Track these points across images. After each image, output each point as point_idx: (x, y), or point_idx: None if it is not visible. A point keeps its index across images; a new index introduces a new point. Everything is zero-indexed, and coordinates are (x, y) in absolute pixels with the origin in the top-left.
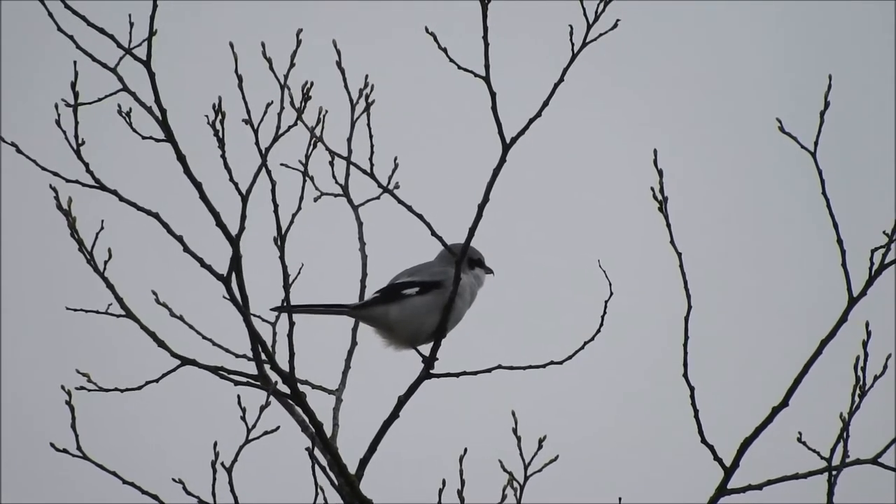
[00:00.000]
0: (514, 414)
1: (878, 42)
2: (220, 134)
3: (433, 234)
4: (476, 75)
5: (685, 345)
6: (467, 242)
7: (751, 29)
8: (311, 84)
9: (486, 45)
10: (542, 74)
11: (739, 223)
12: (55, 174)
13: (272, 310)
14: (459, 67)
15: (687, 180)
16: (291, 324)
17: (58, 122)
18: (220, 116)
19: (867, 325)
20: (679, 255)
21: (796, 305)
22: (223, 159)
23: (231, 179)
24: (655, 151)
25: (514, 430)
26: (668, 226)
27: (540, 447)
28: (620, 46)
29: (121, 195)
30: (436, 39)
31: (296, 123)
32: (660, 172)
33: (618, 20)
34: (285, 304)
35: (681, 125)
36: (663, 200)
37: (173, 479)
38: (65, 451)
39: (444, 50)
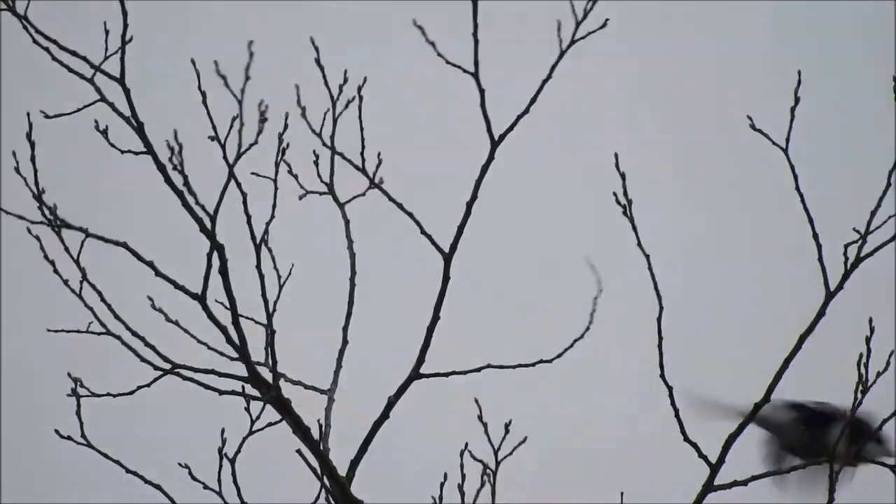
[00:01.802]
0: (477, 401)
1: (855, 40)
2: (181, 167)
3: (422, 231)
4: (465, 71)
5: (660, 345)
6: (456, 239)
7: (738, 26)
8: (267, 106)
9: (476, 41)
10: (533, 71)
11: (716, 220)
12: (20, 217)
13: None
14: (448, 62)
15: (664, 178)
16: (272, 332)
17: (17, 170)
18: (178, 149)
19: (871, 320)
20: (647, 256)
21: (778, 301)
22: (187, 187)
23: (197, 202)
24: (616, 155)
25: (480, 417)
26: (635, 229)
27: (507, 432)
28: (607, 43)
29: (88, 232)
30: (423, 33)
31: (256, 142)
32: (622, 175)
33: (607, 19)
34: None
35: (661, 122)
36: (627, 203)
37: (179, 464)
38: (69, 437)
39: (433, 44)
